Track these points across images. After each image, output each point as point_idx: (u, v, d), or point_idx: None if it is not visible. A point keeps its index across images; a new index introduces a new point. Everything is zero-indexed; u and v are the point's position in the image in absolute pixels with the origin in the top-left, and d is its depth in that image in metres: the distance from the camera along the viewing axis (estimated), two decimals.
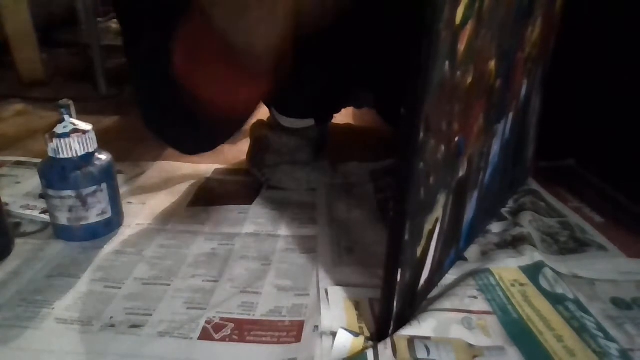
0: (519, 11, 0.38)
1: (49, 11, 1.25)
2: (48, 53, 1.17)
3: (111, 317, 0.38)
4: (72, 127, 0.46)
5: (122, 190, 0.55)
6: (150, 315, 0.38)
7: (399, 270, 0.32)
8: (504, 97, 0.41)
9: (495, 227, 0.49)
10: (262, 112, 0.81)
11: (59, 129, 0.45)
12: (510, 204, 0.53)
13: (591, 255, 0.45)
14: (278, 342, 0.35)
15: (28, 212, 0.53)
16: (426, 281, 0.37)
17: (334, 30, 0.51)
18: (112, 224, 0.50)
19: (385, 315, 0.34)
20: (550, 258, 0.43)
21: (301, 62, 0.55)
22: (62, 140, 0.45)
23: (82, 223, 0.47)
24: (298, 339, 0.36)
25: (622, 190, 0.55)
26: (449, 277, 0.41)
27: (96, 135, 0.48)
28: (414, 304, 0.37)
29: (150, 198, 0.57)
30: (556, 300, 0.38)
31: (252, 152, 0.65)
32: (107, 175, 0.48)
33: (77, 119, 0.47)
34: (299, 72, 0.57)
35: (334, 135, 0.74)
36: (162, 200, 0.57)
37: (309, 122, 0.69)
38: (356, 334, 0.34)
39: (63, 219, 0.47)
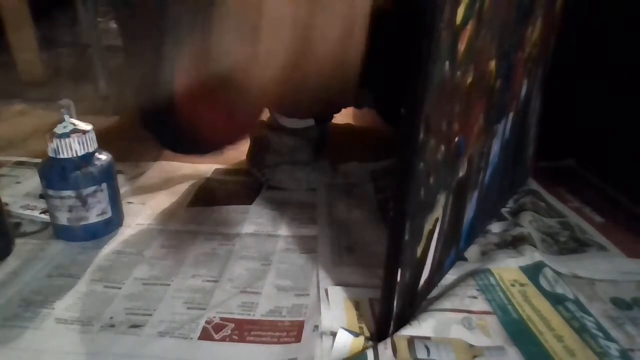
0: (519, 11, 0.38)
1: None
2: (48, 53, 1.17)
3: (111, 317, 0.38)
4: (72, 127, 0.46)
5: (122, 190, 0.55)
6: (150, 315, 0.38)
7: (399, 270, 0.32)
8: (504, 97, 0.41)
9: (495, 227, 0.49)
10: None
11: (59, 129, 0.45)
12: (510, 204, 0.53)
13: (591, 255, 0.45)
14: (278, 342, 0.35)
15: (28, 212, 0.53)
16: (426, 281, 0.37)
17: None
18: (112, 224, 0.50)
19: (385, 315, 0.34)
20: (550, 258, 0.43)
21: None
22: (62, 140, 0.45)
23: (82, 223, 0.47)
24: (298, 339, 0.36)
25: (622, 190, 0.55)
26: (449, 277, 0.41)
27: (96, 135, 0.48)
28: (414, 304, 0.37)
29: (150, 198, 0.57)
30: (556, 300, 0.38)
31: (252, 152, 0.65)
32: (107, 175, 0.48)
33: (77, 119, 0.47)
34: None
35: (334, 135, 0.74)
36: (162, 200, 0.57)
37: (309, 122, 0.69)
38: (356, 334, 0.34)
39: (63, 219, 0.47)
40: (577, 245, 0.46)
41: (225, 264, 0.45)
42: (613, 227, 0.49)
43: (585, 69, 0.55)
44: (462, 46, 0.29)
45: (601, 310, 0.37)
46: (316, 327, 0.35)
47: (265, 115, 0.80)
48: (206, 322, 0.37)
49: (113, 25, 1.32)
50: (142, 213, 0.54)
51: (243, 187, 0.61)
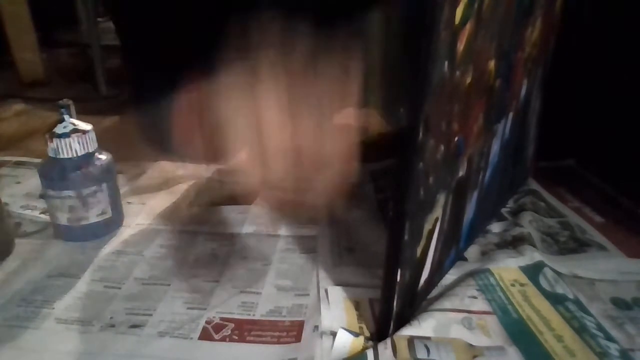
0: (518, 11, 0.38)
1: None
2: (48, 53, 1.17)
3: (111, 317, 0.38)
4: (72, 127, 0.46)
5: (122, 190, 0.55)
6: (150, 315, 0.38)
7: (399, 270, 0.32)
8: (503, 97, 0.41)
9: (495, 227, 0.49)
10: None
11: (59, 129, 0.45)
12: (510, 204, 0.53)
13: (591, 255, 0.45)
14: (278, 342, 0.35)
15: (28, 212, 0.53)
16: (426, 281, 0.37)
17: (334, 30, 0.51)
18: (112, 224, 0.50)
19: (385, 315, 0.34)
20: (550, 258, 0.43)
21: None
22: (62, 140, 0.45)
23: (82, 223, 0.47)
24: (298, 339, 0.36)
25: (622, 190, 0.55)
26: (449, 277, 0.41)
27: (96, 135, 0.48)
28: (414, 304, 0.37)
29: (150, 198, 0.57)
30: (556, 300, 0.38)
31: None
32: (107, 175, 0.48)
33: (77, 119, 0.47)
34: None
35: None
36: (162, 200, 0.57)
37: None
38: (356, 334, 0.34)
39: (63, 219, 0.47)
40: (577, 245, 0.46)
41: (225, 264, 0.45)
42: (613, 227, 0.49)
43: (585, 69, 0.55)
44: (461, 46, 0.29)
45: (601, 310, 0.37)
46: (316, 327, 0.35)
47: None
48: (206, 322, 0.37)
49: (113, 25, 1.32)
50: (142, 213, 0.54)
51: (243, 187, 0.61)
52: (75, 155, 0.46)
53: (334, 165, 0.29)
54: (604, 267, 0.43)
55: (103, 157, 0.48)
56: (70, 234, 0.48)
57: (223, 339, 0.36)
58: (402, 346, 0.33)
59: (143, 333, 0.36)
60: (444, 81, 0.29)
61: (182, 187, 0.60)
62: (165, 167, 0.66)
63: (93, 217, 0.48)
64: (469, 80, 0.32)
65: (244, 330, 0.36)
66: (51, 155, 0.46)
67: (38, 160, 0.63)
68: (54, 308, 0.39)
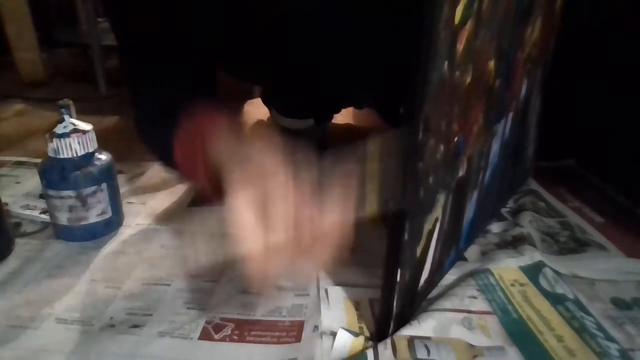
0: (518, 11, 0.38)
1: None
2: (48, 53, 1.17)
3: (111, 317, 0.38)
4: (72, 127, 0.46)
5: (122, 190, 0.55)
6: (150, 315, 0.38)
7: (399, 270, 0.32)
8: (503, 97, 0.41)
9: (495, 227, 0.49)
10: (262, 112, 0.82)
11: (59, 129, 0.45)
12: (510, 204, 0.53)
13: (591, 255, 0.45)
14: (278, 342, 0.35)
15: (28, 212, 0.53)
16: (426, 281, 0.37)
17: (333, 30, 0.51)
18: (112, 224, 0.50)
19: (385, 315, 0.34)
20: (550, 258, 0.43)
21: (300, 62, 0.55)
22: (62, 140, 0.45)
23: (82, 223, 0.47)
24: (298, 339, 0.36)
25: (622, 190, 0.55)
26: (449, 277, 0.41)
27: (96, 135, 0.48)
28: (414, 304, 0.37)
29: (150, 198, 0.57)
30: (556, 300, 0.38)
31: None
32: (107, 175, 0.48)
33: (77, 119, 0.47)
34: (298, 73, 0.57)
35: (334, 135, 0.74)
36: (162, 200, 0.57)
37: (309, 122, 0.69)
38: (356, 334, 0.34)
39: (63, 219, 0.47)
40: (577, 245, 0.46)
41: (225, 264, 0.45)
42: (613, 227, 0.49)
43: (585, 69, 0.55)
44: (460, 46, 0.29)
45: (601, 310, 0.37)
46: (316, 327, 0.35)
47: (265, 115, 0.80)
48: (206, 322, 0.37)
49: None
50: (142, 213, 0.54)
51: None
52: (75, 155, 0.46)
53: (329, 239, 0.30)
54: (604, 267, 0.43)
55: (103, 157, 0.48)
56: (70, 234, 0.48)
57: (223, 339, 0.36)
58: (402, 346, 0.33)
59: (143, 333, 0.36)
60: (443, 81, 0.29)
61: (182, 187, 0.60)
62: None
63: (93, 217, 0.48)
64: (468, 80, 0.32)
65: (244, 330, 0.36)
66: (51, 155, 0.46)
67: (38, 160, 0.63)
68: (54, 308, 0.39)
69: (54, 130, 0.45)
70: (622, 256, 0.44)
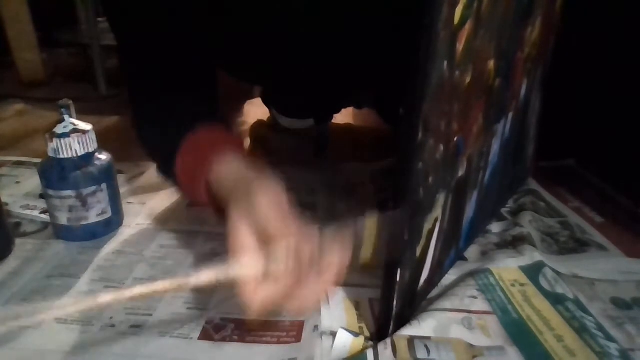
0: (518, 11, 0.38)
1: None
2: (48, 53, 1.17)
3: (111, 317, 0.38)
4: (72, 127, 0.46)
5: (122, 190, 0.55)
6: (150, 315, 0.38)
7: (399, 270, 0.32)
8: (503, 97, 0.41)
9: (495, 227, 0.49)
10: (262, 112, 0.82)
11: (59, 129, 0.45)
12: (510, 204, 0.53)
13: (591, 255, 0.45)
14: (278, 342, 0.35)
15: (28, 212, 0.53)
16: (426, 281, 0.37)
17: (333, 30, 0.51)
18: (112, 224, 0.50)
19: (385, 315, 0.34)
20: (550, 258, 0.43)
21: (300, 62, 0.55)
22: (62, 140, 0.45)
23: (82, 223, 0.47)
24: (298, 339, 0.35)
25: (622, 190, 0.55)
26: (449, 277, 0.41)
27: (96, 135, 0.48)
28: (414, 304, 0.37)
29: (150, 198, 0.57)
30: (556, 300, 0.38)
31: (253, 153, 0.65)
32: (107, 175, 0.48)
33: (77, 119, 0.47)
34: (298, 73, 0.57)
35: (334, 135, 0.74)
36: (162, 200, 0.57)
37: (309, 122, 0.69)
38: (356, 334, 0.34)
39: (63, 219, 0.47)
40: (577, 245, 0.46)
41: (225, 264, 0.44)
42: (613, 227, 0.49)
43: (585, 69, 0.55)
44: (460, 46, 0.29)
45: (601, 310, 0.37)
46: (316, 327, 0.35)
47: (265, 115, 0.80)
48: (206, 322, 0.37)
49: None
50: (142, 213, 0.54)
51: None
52: (75, 155, 0.46)
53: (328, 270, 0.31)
54: (604, 267, 0.43)
55: (103, 157, 0.48)
56: (70, 234, 0.48)
57: (223, 339, 0.36)
58: (402, 346, 0.33)
59: (143, 333, 0.36)
60: (443, 81, 0.29)
61: None
62: None
63: (93, 217, 0.48)
64: (468, 80, 0.32)
65: (244, 330, 0.36)
66: (51, 155, 0.46)
67: (38, 160, 0.63)
68: (54, 308, 0.39)
69: (54, 130, 0.45)
70: (622, 256, 0.44)
